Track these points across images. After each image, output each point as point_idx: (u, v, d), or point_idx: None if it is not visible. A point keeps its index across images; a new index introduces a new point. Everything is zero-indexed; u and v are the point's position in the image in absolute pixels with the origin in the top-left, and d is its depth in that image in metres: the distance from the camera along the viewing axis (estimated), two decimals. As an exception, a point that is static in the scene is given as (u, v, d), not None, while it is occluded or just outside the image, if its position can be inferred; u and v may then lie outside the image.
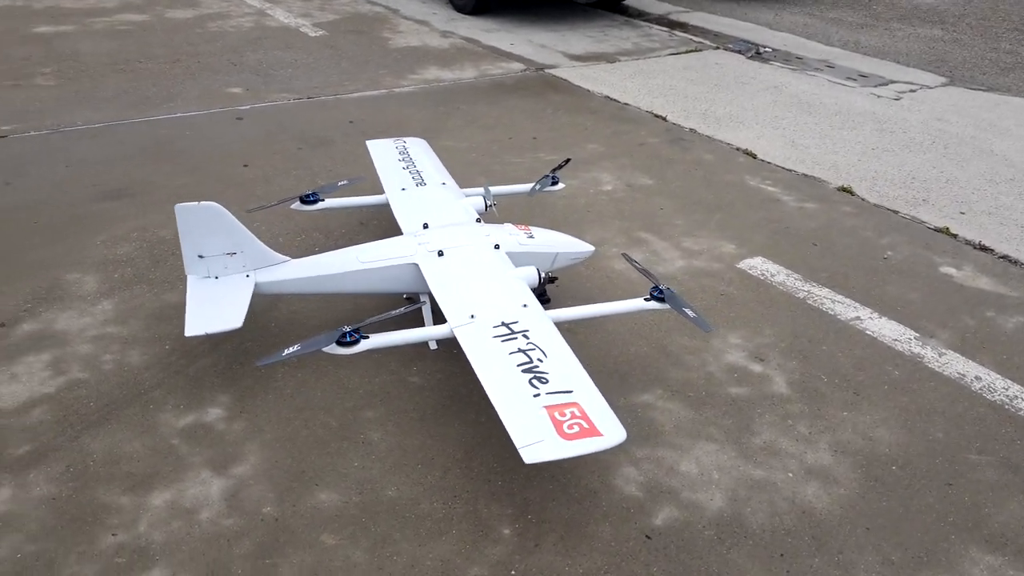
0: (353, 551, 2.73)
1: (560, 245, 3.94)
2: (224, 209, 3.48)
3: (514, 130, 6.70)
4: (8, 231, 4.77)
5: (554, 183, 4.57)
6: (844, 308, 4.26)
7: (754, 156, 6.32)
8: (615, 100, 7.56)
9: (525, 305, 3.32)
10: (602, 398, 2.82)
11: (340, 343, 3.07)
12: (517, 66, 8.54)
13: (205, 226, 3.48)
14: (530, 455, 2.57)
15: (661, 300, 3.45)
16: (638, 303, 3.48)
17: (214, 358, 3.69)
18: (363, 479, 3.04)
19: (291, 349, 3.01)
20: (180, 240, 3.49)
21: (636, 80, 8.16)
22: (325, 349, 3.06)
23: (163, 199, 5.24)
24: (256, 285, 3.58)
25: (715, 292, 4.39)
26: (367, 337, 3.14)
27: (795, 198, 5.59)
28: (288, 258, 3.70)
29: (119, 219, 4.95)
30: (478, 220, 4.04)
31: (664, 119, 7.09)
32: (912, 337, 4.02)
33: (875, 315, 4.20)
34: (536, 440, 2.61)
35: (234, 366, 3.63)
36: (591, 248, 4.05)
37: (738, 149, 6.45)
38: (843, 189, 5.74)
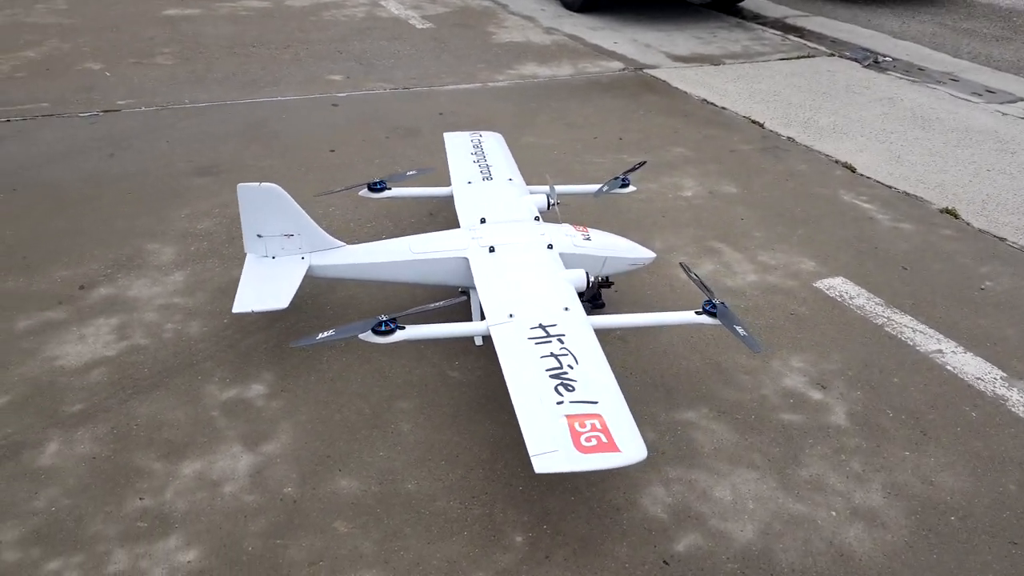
0: (362, 541, 2.73)
1: (618, 249, 3.81)
2: (283, 191, 3.56)
3: (601, 130, 6.57)
4: (104, 199, 5.07)
5: (624, 185, 4.44)
6: (926, 339, 3.93)
7: (853, 170, 5.94)
8: (712, 104, 7.29)
9: (567, 308, 3.22)
10: (628, 412, 2.70)
11: (376, 331, 3.08)
12: (616, 65, 8.38)
13: (265, 207, 3.56)
14: (542, 464, 2.48)
15: (713, 315, 3.28)
16: (689, 316, 3.32)
17: (266, 335, 3.78)
18: (385, 469, 3.04)
19: (326, 333, 3.04)
20: (241, 219, 3.59)
21: (738, 84, 7.85)
22: (361, 336, 3.08)
23: (248, 178, 5.39)
24: (310, 268, 3.64)
25: (785, 311, 4.15)
26: (403, 328, 3.13)
27: (891, 217, 5.22)
28: (343, 243, 3.75)
29: (205, 195, 5.17)
30: (537, 218, 3.96)
31: (761, 126, 6.78)
32: (998, 377, 3.67)
33: (960, 349, 3.86)
34: (550, 449, 2.53)
35: (283, 345, 3.71)
36: (651, 255, 3.90)
37: (837, 162, 6.08)
38: (946, 211, 5.31)
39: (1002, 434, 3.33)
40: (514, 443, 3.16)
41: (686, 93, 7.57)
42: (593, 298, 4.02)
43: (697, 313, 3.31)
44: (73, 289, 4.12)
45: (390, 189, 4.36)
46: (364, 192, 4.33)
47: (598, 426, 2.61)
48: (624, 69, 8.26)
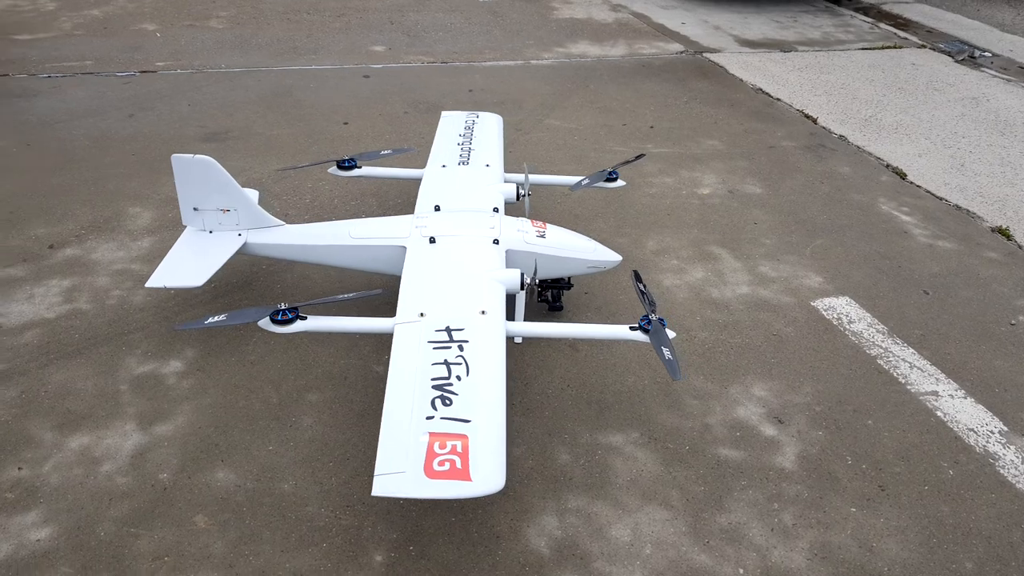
0: (216, 541, 2.59)
1: (576, 250, 3.49)
2: (217, 164, 3.43)
3: (634, 116, 6.16)
4: (107, 159, 5.12)
5: (611, 179, 4.09)
6: (922, 378, 3.43)
7: (903, 176, 5.33)
8: (766, 93, 6.73)
9: (484, 312, 2.95)
10: (501, 435, 2.42)
11: (274, 320, 2.91)
12: (675, 47, 7.88)
13: (200, 179, 3.45)
14: (383, 486, 2.25)
15: (647, 332, 2.93)
16: (622, 330, 2.99)
17: (205, 310, 3.69)
18: (268, 465, 2.88)
19: (217, 317, 2.90)
20: (177, 191, 3.49)
21: (803, 74, 7.22)
22: (260, 324, 2.92)
23: (254, 146, 5.38)
24: (246, 245, 3.52)
25: (767, 330, 3.72)
26: (304, 318, 2.95)
27: (929, 233, 4.63)
28: (282, 222, 3.60)
29: (203, 161, 5.14)
30: (496, 209, 3.69)
31: (814, 120, 6.19)
32: (995, 431, 3.15)
33: (959, 393, 3.35)
34: (398, 470, 2.29)
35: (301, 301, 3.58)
36: (616, 258, 3.56)
37: (887, 166, 5.47)
38: (999, 230, 4.67)
39: (978, 500, 2.84)
40: (410, 451, 2.93)
41: (741, 81, 7.02)
42: (554, 300, 3.74)
43: (632, 329, 2.97)
44: (43, 248, 4.16)
45: (360, 168, 4.17)
46: (333, 169, 4.16)
47: (459, 449, 2.35)
48: (682, 52, 7.75)
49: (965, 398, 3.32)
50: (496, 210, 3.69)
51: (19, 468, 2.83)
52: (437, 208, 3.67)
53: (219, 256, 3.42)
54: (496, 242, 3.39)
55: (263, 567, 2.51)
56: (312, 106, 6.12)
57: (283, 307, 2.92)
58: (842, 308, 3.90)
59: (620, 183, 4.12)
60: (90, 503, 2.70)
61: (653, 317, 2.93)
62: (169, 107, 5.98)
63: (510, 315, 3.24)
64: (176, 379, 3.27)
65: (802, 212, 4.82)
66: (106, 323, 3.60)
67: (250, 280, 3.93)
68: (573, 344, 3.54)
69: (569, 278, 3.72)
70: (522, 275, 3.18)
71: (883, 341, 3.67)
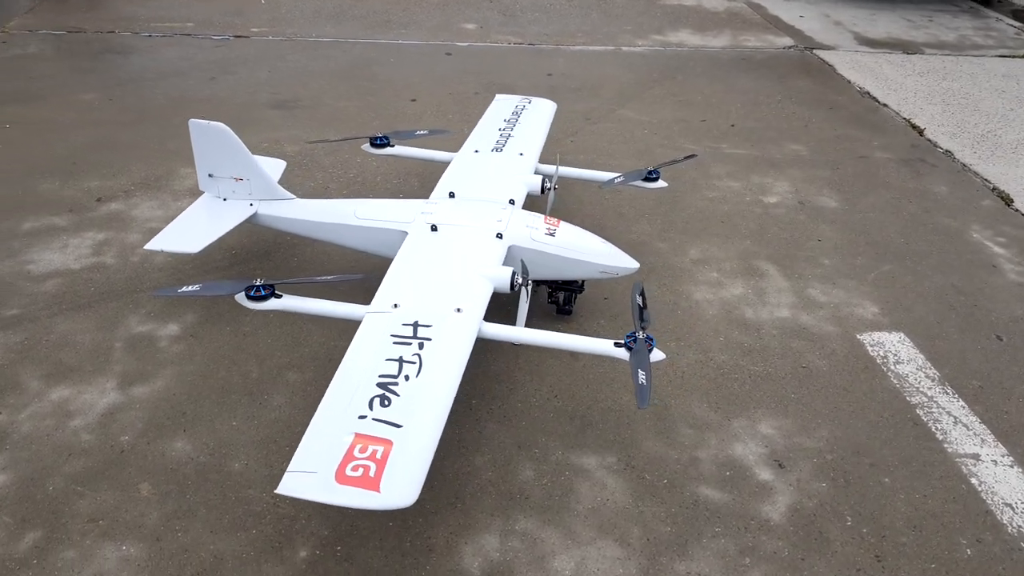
0: (152, 511, 2.56)
1: (587, 252, 3.25)
2: (232, 133, 3.41)
3: (716, 112, 5.76)
4: (176, 119, 5.26)
5: (650, 178, 3.80)
6: (965, 436, 2.99)
7: (1008, 202, 4.70)
8: (873, 98, 6.13)
9: (459, 310, 2.78)
10: (429, 447, 2.25)
11: (248, 296, 2.86)
12: (784, 41, 7.33)
13: (216, 146, 3.44)
14: (290, 485, 2.13)
15: (630, 350, 2.67)
16: (606, 345, 2.74)
17: (218, 276, 3.71)
18: (225, 441, 2.83)
19: (191, 287, 2.86)
20: (194, 155, 3.50)
21: (922, 79, 6.54)
22: (237, 298, 2.87)
23: (318, 116, 5.41)
24: (257, 215, 3.49)
25: (797, 361, 3.35)
26: (279, 296, 2.88)
27: (1023, 270, 4.05)
28: (294, 196, 3.55)
29: (264, 127, 5.20)
30: (512, 202, 3.49)
31: (920, 131, 5.58)
32: (1037, 512, 2.69)
33: (1006, 460, 2.88)
34: (310, 470, 2.17)
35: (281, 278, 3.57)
36: (632, 265, 3.29)
37: (993, 189, 4.85)
38: (1110, 275, 4.03)
39: (993, 590, 2.43)
40: (368, 445, 2.81)
41: (848, 82, 6.43)
42: (564, 303, 3.51)
43: (616, 345, 2.72)
44: (91, 200, 4.31)
45: (393, 147, 4.08)
46: (365, 146, 4.09)
47: (379, 455, 2.20)
48: (791, 47, 7.20)
49: (1012, 467, 2.86)
50: (512, 202, 3.49)
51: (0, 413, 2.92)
52: (451, 195, 3.52)
53: (226, 224, 3.41)
54: (499, 236, 3.20)
55: (188, 545, 2.46)
56: (386, 81, 6.08)
57: (258, 283, 2.86)
58: (892, 345, 3.47)
59: (660, 184, 3.82)
60: (50, 456, 2.74)
61: (640, 335, 2.67)
62: (250, 72, 6.11)
63: (508, 317, 3.05)
64: (168, 343, 3.30)
65: (877, 232, 4.33)
66: (123, 280, 3.68)
67: (270, 251, 3.92)
68: (575, 352, 3.30)
69: (582, 282, 3.49)
70: (513, 274, 2.98)
71: (930, 388, 3.22)
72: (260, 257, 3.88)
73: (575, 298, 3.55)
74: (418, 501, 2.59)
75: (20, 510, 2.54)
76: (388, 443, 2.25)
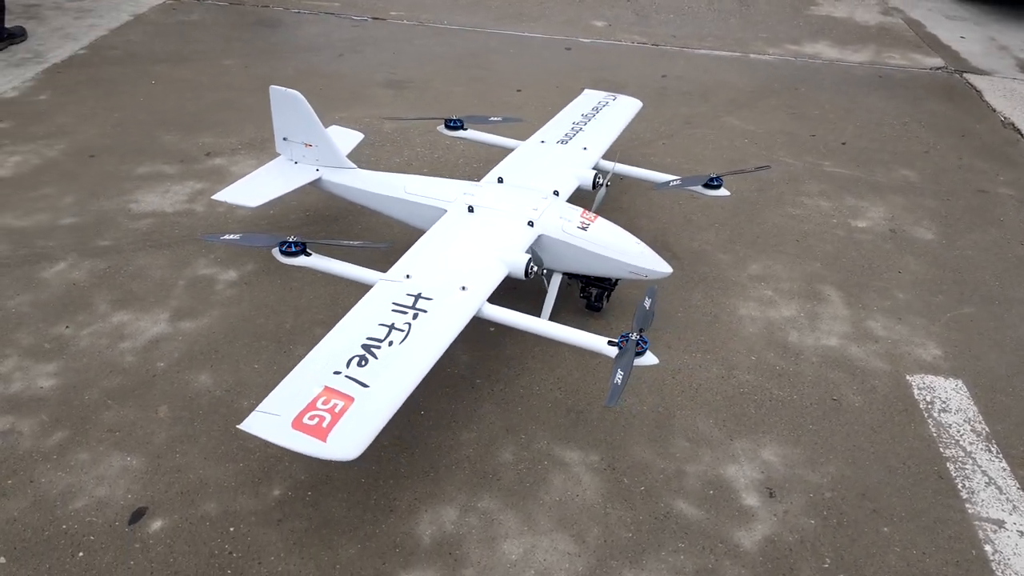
0: (161, 432, 2.82)
1: (617, 251, 3.21)
2: (304, 100, 3.64)
3: (830, 128, 5.46)
4: (302, 91, 5.61)
5: (711, 185, 3.70)
6: (995, 499, 2.71)
7: None
8: (1016, 129, 5.59)
9: (464, 288, 2.86)
10: (386, 413, 2.33)
11: (282, 250, 3.08)
12: (933, 62, 6.80)
13: (291, 112, 3.70)
14: (253, 423, 2.28)
15: (621, 349, 2.64)
16: (600, 342, 2.71)
17: (289, 232, 3.95)
18: (242, 381, 3.06)
19: (233, 236, 3.12)
20: (272, 119, 3.77)
21: (1084, 115, 5.86)
22: (273, 252, 3.10)
23: (424, 98, 5.63)
24: (320, 180, 3.72)
25: (828, 392, 3.16)
26: (309, 254, 3.09)
27: None
28: (355, 166, 3.74)
29: (372, 103, 5.48)
30: (556, 192, 3.51)
31: (1061, 171, 5.03)
32: (1049, 594, 2.41)
33: (1032, 534, 2.60)
34: (275, 412, 2.32)
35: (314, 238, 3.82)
36: (664, 269, 3.23)
37: None
38: None
39: (964, 665, 2.21)
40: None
41: (992, 110, 5.88)
42: (594, 300, 3.50)
43: (610, 343, 2.69)
44: (201, 154, 4.74)
45: (466, 130, 4.20)
46: (441, 128, 4.23)
47: (337, 409, 2.32)
48: (938, 68, 6.67)
49: (1039, 541, 2.57)
50: (556, 193, 3.51)
51: (66, 327, 3.31)
52: (500, 180, 3.59)
53: (291, 183, 3.65)
54: (531, 224, 3.23)
55: (182, 465, 2.70)
56: (499, 70, 6.22)
57: (291, 239, 3.07)
58: (944, 391, 3.19)
59: (723, 192, 3.70)
60: (95, 370, 3.09)
61: (633, 336, 2.63)
62: (375, 52, 6.44)
63: (533, 306, 3.09)
64: (223, 287, 3.59)
65: (970, 272, 3.97)
66: (205, 226, 4.03)
67: (338, 216, 4.15)
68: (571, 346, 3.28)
69: (615, 280, 3.46)
70: (527, 263, 3.01)
71: (972, 443, 2.94)
72: (328, 220, 4.12)
73: (608, 296, 3.52)
74: (394, 464, 2.74)
75: (57, 411, 2.88)
76: (350, 399, 2.36)
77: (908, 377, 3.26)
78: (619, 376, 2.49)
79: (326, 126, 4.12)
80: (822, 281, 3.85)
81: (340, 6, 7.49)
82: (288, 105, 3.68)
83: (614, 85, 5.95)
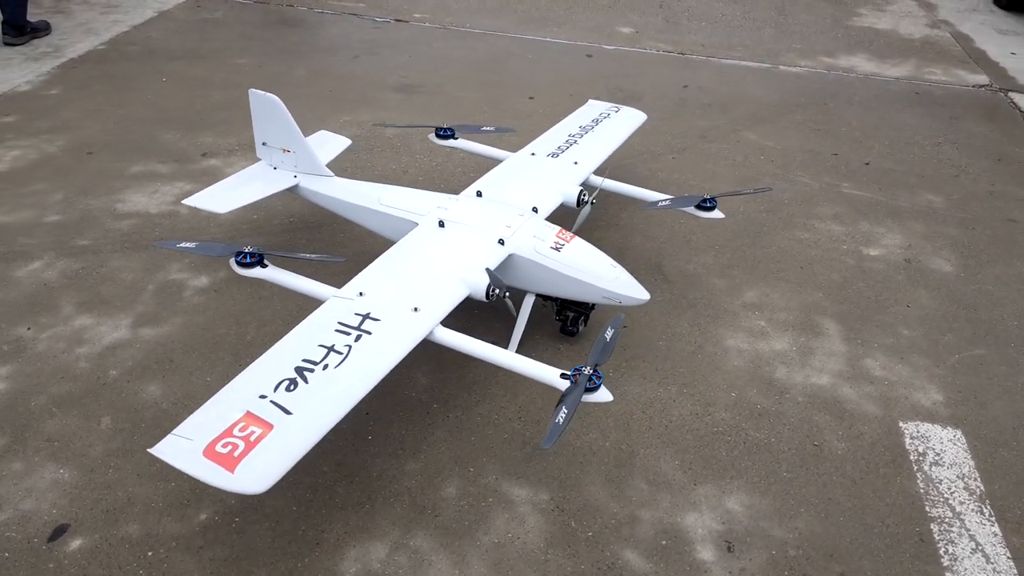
0: (99, 444, 2.73)
1: (591, 275, 3.02)
2: (282, 105, 3.54)
3: (855, 147, 5.17)
4: (306, 90, 5.60)
5: (704, 207, 3.49)
6: (980, 568, 2.45)
7: None
8: (1059, 155, 5.20)
9: (416, 309, 2.71)
10: (305, 443, 2.18)
11: (237, 260, 2.98)
12: (978, 79, 6.42)
13: (269, 116, 3.60)
14: (164, 448, 2.17)
15: (573, 384, 2.46)
16: (552, 374, 2.54)
17: (269, 240, 3.89)
18: (191, 394, 2.96)
19: (187, 244, 3.02)
20: (253, 123, 3.68)
21: None
22: (230, 262, 3.00)
23: (433, 103, 5.51)
24: (298, 187, 3.62)
25: (810, 437, 2.93)
26: (265, 266, 2.98)
27: None
28: (333, 174, 3.63)
29: (379, 108, 5.38)
30: (535, 209, 3.34)
31: (1105, 202, 4.66)
32: None
33: (1016, 613, 2.34)
34: (190, 437, 2.21)
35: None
36: (640, 296, 3.03)
37: None
38: None
39: None
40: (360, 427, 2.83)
41: (1038, 133, 5.51)
42: (568, 324, 3.32)
43: (562, 375, 2.52)
44: (197, 154, 4.69)
45: (457, 139, 4.06)
46: (432, 136, 4.10)
47: (253, 438, 2.19)
48: (982, 86, 6.29)
49: (1024, 621, 2.31)
50: (535, 210, 3.34)
51: (28, 328, 3.26)
52: (479, 194, 3.44)
53: (267, 189, 3.56)
54: (501, 242, 3.07)
55: (112, 482, 2.61)
56: (515, 76, 6.06)
57: (247, 250, 2.97)
58: (940, 442, 2.93)
59: (717, 215, 3.48)
60: (46, 375, 3.03)
61: (587, 370, 2.45)
62: (392, 55, 6.34)
63: (497, 331, 2.94)
64: (192, 293, 3.51)
65: (987, 310, 3.67)
66: (186, 229, 3.97)
67: (323, 223, 4.05)
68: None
69: (592, 304, 3.27)
70: (488, 285, 2.85)
71: (963, 503, 2.68)
72: (312, 228, 4.02)
73: (586, 320, 3.34)
74: (330, 492, 2.60)
75: (0, 417, 2.82)
76: (268, 427, 2.23)
77: (901, 424, 3.01)
78: (562, 414, 2.32)
79: (319, 130, 4.04)
80: (822, 313, 3.60)
81: (365, 7, 7.42)
82: (267, 109, 3.58)
83: (631, 95, 5.75)
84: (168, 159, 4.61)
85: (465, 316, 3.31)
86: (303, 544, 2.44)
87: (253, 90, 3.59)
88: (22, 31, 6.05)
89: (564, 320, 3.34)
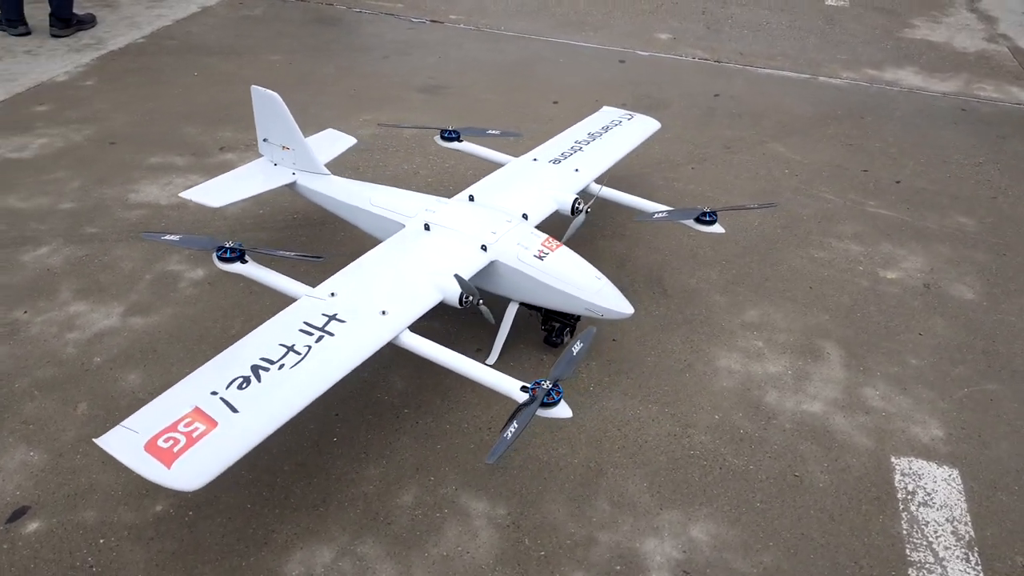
0: (72, 430, 2.78)
1: (574, 286, 2.95)
2: (281, 102, 3.55)
3: (887, 164, 4.95)
4: (331, 88, 5.63)
5: (704, 220, 3.37)
6: (952, 621, 2.30)
7: None
8: (1110, 181, 4.89)
9: (384, 312, 2.68)
10: (245, 444, 2.16)
11: (218, 255, 2.99)
12: (1031, 97, 6.09)
13: (270, 113, 3.61)
14: (109, 440, 2.17)
15: (531, 398, 2.39)
16: (512, 386, 2.47)
17: (269, 236, 3.91)
18: (167, 384, 2.95)
19: (173, 237, 3.05)
20: (255, 119, 3.71)
21: None
22: (212, 257, 3.02)
23: (456, 105, 5.49)
24: (296, 184, 3.63)
25: (792, 467, 2.79)
26: (245, 262, 2.99)
27: None
28: (329, 173, 3.63)
29: (401, 108, 5.38)
30: (525, 216, 3.27)
31: None
32: None
33: (988, 671, 2.17)
34: (134, 428, 2.22)
35: (274, 245, 3.74)
36: (624, 310, 2.95)
37: None
38: None
39: None
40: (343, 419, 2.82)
41: (1088, 156, 5.19)
42: (550, 333, 3.24)
43: (522, 389, 2.45)
44: (214, 148, 4.76)
45: (462, 142, 4.02)
46: (436, 138, 4.07)
47: (195, 434, 2.18)
48: (1035, 104, 5.97)
49: None
50: (525, 217, 3.27)
51: (24, 312, 3.34)
52: (471, 198, 3.39)
53: (266, 185, 3.58)
54: (484, 248, 3.02)
55: (78, 467, 2.64)
56: (542, 80, 6.00)
57: (228, 245, 2.98)
58: (932, 481, 2.76)
59: (716, 229, 3.36)
60: (34, 358, 3.09)
61: (546, 385, 2.38)
62: (421, 56, 6.34)
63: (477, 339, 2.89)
64: (187, 285, 3.55)
65: (1006, 343, 3.46)
66: (190, 222, 4.02)
67: (324, 220, 4.05)
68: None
69: (577, 316, 3.19)
70: (461, 292, 2.80)
71: (947, 549, 2.52)
72: (314, 225, 4.03)
73: (572, 331, 3.26)
74: (286, 492, 2.59)
75: (-19, 400, 2.89)
76: (213, 424, 2.22)
77: (893, 459, 2.84)
78: (511, 429, 2.25)
79: (328, 128, 4.05)
80: (825, 336, 3.44)
81: (403, 7, 7.45)
82: (268, 106, 3.60)
83: (658, 102, 5.63)
84: (186, 152, 4.69)
85: (451, 323, 3.27)
86: (251, 543, 2.42)
87: (255, 86, 3.61)
88: (68, 23, 6.24)
89: (549, 330, 3.26)
